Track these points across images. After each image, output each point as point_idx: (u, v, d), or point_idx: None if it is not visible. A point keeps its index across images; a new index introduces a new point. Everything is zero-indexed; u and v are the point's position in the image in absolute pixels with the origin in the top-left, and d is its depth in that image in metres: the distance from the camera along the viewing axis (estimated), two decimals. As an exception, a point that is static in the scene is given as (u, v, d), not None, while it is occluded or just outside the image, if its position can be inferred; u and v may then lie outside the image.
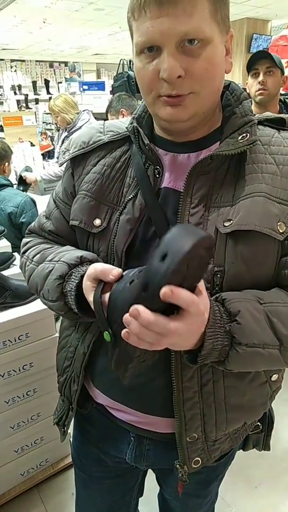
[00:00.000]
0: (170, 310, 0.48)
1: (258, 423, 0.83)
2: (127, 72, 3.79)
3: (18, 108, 8.34)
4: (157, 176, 0.66)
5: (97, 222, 0.68)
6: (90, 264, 0.65)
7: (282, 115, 0.68)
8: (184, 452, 0.69)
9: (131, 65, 3.77)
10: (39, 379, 1.46)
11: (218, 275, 0.60)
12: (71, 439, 0.98)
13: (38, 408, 1.50)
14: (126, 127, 0.71)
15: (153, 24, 0.53)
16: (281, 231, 0.60)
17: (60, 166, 0.77)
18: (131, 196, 0.67)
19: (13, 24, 6.92)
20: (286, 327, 0.59)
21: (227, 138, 0.63)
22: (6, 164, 2.23)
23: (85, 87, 4.92)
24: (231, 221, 0.60)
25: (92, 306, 0.59)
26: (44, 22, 6.54)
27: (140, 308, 0.47)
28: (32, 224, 0.86)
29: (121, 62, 4.11)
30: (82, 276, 0.64)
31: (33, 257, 0.76)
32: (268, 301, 0.61)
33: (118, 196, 0.69)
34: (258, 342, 0.57)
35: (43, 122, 7.41)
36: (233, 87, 0.67)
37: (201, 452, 0.71)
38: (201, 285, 0.52)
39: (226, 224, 0.60)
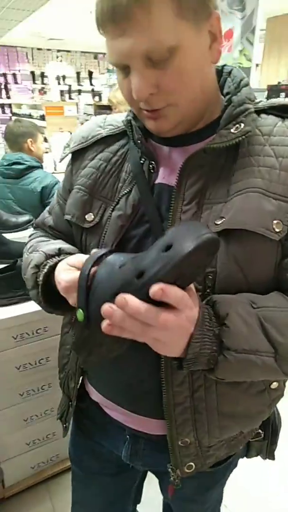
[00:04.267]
0: (155, 302, 0.45)
1: (259, 430, 0.79)
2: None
3: (61, 98, 8.45)
4: (152, 171, 0.64)
5: (90, 217, 0.67)
6: (64, 258, 0.65)
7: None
8: (176, 456, 0.67)
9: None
10: (55, 374, 1.41)
11: (210, 277, 0.56)
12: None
13: (52, 403, 1.48)
14: (122, 121, 0.69)
15: (114, 45, 0.52)
16: (277, 230, 0.54)
17: (60, 162, 0.77)
18: (125, 191, 0.65)
19: (60, 15, 6.97)
20: (281, 334, 0.54)
21: (222, 129, 0.58)
22: (30, 141, 2.16)
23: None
24: (223, 219, 0.56)
25: (60, 287, 0.58)
26: (91, 13, 6.53)
27: (128, 296, 0.44)
28: (39, 217, 0.86)
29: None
30: (52, 267, 0.64)
31: (28, 249, 0.77)
32: (262, 305, 0.56)
33: (112, 191, 0.67)
34: (248, 348, 0.53)
35: (84, 113, 7.46)
36: (234, 73, 0.62)
37: (195, 458, 0.68)
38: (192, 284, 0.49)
39: (218, 222, 0.56)
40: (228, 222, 0.55)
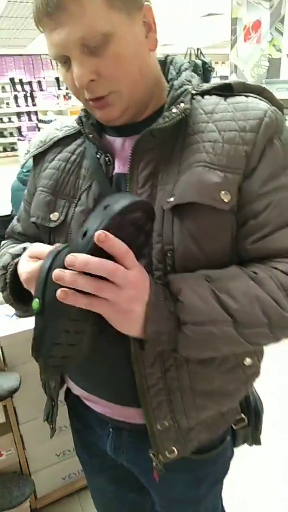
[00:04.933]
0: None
1: (242, 415, 0.79)
2: (193, 61, 3.64)
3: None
4: (109, 163, 0.65)
5: (55, 216, 0.68)
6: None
7: (228, 81, 0.64)
8: (155, 441, 0.67)
9: (199, 54, 3.63)
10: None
11: (169, 254, 0.58)
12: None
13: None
14: (75, 119, 0.71)
15: (52, 38, 0.53)
16: (226, 200, 0.56)
17: (22, 168, 0.75)
18: (86, 187, 0.67)
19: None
20: (236, 301, 0.54)
21: (166, 111, 0.60)
22: None
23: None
24: (174, 196, 0.57)
25: (22, 279, 0.59)
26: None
27: (75, 254, 0.45)
28: (8, 227, 0.87)
29: (188, 52, 3.96)
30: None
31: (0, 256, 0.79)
32: (216, 277, 0.57)
33: (74, 189, 0.68)
34: (205, 319, 0.54)
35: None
36: (175, 60, 0.66)
37: (175, 441, 0.68)
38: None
39: (169, 199, 0.58)
40: (178, 198, 0.57)
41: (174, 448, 0.68)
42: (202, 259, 0.58)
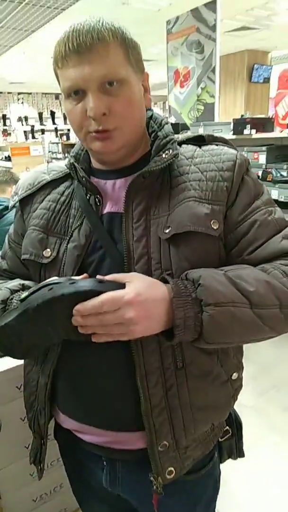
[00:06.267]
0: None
1: (227, 427, 0.84)
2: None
3: (26, 139, 8.53)
4: (98, 204, 0.72)
5: (47, 252, 0.73)
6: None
7: (200, 133, 0.77)
8: (156, 463, 0.69)
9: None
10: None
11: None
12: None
13: (58, 453, 1.41)
14: (65, 164, 0.78)
15: (75, 71, 0.61)
16: (215, 227, 0.66)
17: (9, 210, 0.80)
18: (77, 225, 0.73)
19: (21, 60, 7.16)
20: (250, 284, 0.62)
21: (155, 157, 0.70)
22: (14, 188, 2.32)
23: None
24: (170, 228, 0.66)
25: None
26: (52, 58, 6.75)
27: (77, 306, 0.56)
28: None
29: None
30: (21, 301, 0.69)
31: None
32: (227, 269, 0.65)
33: (65, 227, 0.74)
34: (225, 300, 0.60)
35: (49, 152, 7.55)
36: (155, 116, 0.76)
37: (174, 461, 0.71)
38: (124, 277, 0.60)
39: (166, 231, 0.66)
40: (175, 228, 0.65)
41: (172, 469, 0.70)
42: None
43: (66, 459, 0.90)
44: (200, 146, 0.75)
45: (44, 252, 0.73)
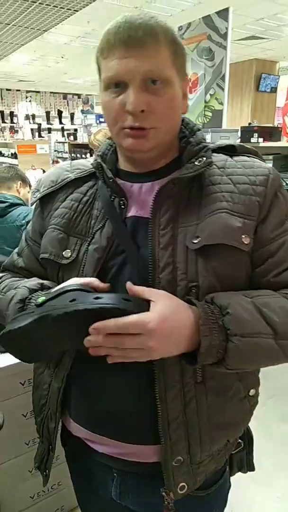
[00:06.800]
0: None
1: (240, 440, 0.82)
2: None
3: (33, 137, 8.56)
4: (123, 207, 0.70)
5: (67, 253, 0.71)
6: (48, 291, 0.70)
7: (232, 143, 0.75)
8: (169, 478, 0.67)
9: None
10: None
11: (194, 290, 0.63)
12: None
13: (58, 451, 1.42)
14: (91, 164, 0.75)
15: (120, 63, 0.59)
16: (245, 243, 0.64)
17: (31, 205, 0.79)
18: (99, 226, 0.70)
19: (32, 59, 7.20)
20: (277, 314, 0.61)
21: (187, 163, 0.68)
22: (20, 183, 2.21)
23: (102, 119, 5.04)
24: (199, 238, 0.63)
25: None
26: (62, 58, 6.81)
27: (97, 324, 0.54)
28: (6, 261, 0.88)
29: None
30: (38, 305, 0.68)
31: (2, 289, 0.79)
32: (255, 295, 0.64)
33: (86, 228, 0.71)
34: (252, 331, 0.59)
35: (55, 151, 7.59)
36: (187, 121, 0.73)
37: (186, 477, 0.69)
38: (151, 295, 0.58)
39: (195, 241, 0.63)
40: (206, 239, 0.63)
41: (184, 484, 0.69)
42: None
43: (74, 467, 0.88)
44: (231, 156, 0.73)
45: (63, 253, 0.71)
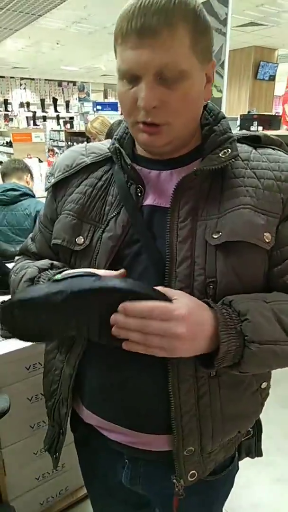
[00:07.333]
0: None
1: (250, 429, 0.82)
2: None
3: (27, 125, 8.44)
4: (139, 194, 0.67)
5: (80, 240, 0.69)
6: (59, 270, 0.69)
7: (257, 133, 0.71)
8: (180, 466, 0.68)
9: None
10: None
11: (211, 286, 0.61)
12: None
13: (61, 434, 1.44)
14: (108, 148, 0.72)
15: (133, 54, 0.55)
16: (267, 241, 0.62)
17: (46, 191, 0.78)
18: (114, 214, 0.68)
19: (26, 45, 7.08)
20: None
21: (210, 154, 0.64)
22: (29, 175, 2.32)
23: (99, 107, 4.99)
24: (220, 233, 0.61)
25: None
26: (58, 44, 6.69)
27: (126, 303, 0.53)
28: (22, 245, 0.88)
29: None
30: (49, 279, 0.66)
31: (15, 270, 0.79)
32: (272, 300, 0.62)
33: (100, 214, 0.70)
34: (269, 339, 0.58)
35: (50, 139, 7.50)
36: (210, 107, 0.69)
37: (197, 465, 0.70)
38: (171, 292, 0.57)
39: (215, 236, 0.61)
40: (227, 235, 0.61)
41: (194, 472, 0.69)
42: (240, 291, 0.62)
43: (84, 452, 0.88)
44: (255, 148, 0.69)
45: (77, 239, 0.69)
